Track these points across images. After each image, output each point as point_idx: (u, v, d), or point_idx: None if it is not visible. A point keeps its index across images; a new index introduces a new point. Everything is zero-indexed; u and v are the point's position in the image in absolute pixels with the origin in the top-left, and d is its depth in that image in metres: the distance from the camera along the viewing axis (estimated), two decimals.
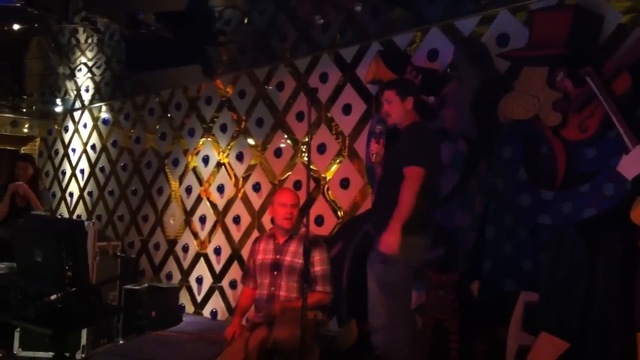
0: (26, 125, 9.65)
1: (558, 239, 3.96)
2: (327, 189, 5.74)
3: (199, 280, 6.92)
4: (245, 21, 6.38)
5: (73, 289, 3.47)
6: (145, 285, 6.38)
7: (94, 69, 8.19)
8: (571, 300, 3.82)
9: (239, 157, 6.74)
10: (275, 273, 4.32)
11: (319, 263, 4.34)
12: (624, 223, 3.67)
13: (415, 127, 4.02)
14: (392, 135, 4.14)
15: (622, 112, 3.78)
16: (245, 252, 6.45)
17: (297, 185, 5.97)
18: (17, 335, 5.06)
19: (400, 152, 3.90)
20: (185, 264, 7.14)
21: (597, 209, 3.86)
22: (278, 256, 4.35)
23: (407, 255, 3.78)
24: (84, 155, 8.89)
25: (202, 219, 7.03)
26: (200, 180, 7.16)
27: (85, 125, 8.96)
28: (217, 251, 6.79)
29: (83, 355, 5.11)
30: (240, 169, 6.73)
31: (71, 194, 8.93)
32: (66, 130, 9.30)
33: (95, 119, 8.80)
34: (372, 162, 4.27)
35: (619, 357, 3.63)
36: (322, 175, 5.84)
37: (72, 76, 8.50)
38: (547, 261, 4.01)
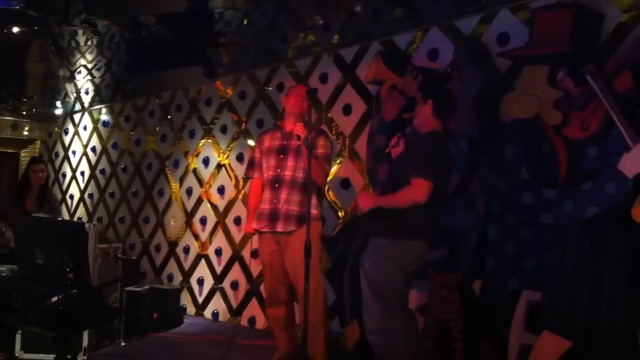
0: (26, 128, 9.64)
1: (562, 237, 3.95)
2: (328, 190, 5.73)
3: (200, 282, 6.92)
4: (245, 22, 6.38)
5: (74, 291, 3.48)
6: (147, 286, 6.38)
7: (94, 71, 8.20)
8: (575, 299, 3.81)
9: (240, 158, 6.74)
10: (282, 156, 4.53)
11: (322, 147, 4.54)
12: (627, 221, 3.67)
13: (431, 136, 3.92)
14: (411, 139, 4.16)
15: (623, 110, 3.77)
16: (246, 253, 6.45)
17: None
18: (18, 337, 5.05)
19: (412, 158, 3.81)
20: (187, 266, 7.14)
21: (599, 208, 3.86)
22: (285, 142, 4.58)
23: (401, 261, 3.78)
24: (84, 158, 8.89)
25: (203, 221, 7.02)
26: (200, 182, 7.16)
27: (85, 128, 8.96)
28: (218, 252, 6.79)
29: (85, 357, 5.11)
30: (240, 170, 6.72)
31: (72, 196, 8.93)
32: (66, 132, 9.30)
33: (95, 121, 8.80)
34: (386, 151, 4.29)
35: (624, 355, 3.62)
36: None
37: (72, 78, 8.52)
38: (551, 260, 4.00)
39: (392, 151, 4.20)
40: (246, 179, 6.50)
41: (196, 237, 7.10)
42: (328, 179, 4.69)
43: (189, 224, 7.20)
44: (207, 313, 6.80)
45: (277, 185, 4.50)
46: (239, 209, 6.64)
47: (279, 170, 4.52)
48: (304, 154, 4.35)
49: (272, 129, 4.82)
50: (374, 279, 3.79)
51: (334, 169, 5.72)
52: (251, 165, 4.82)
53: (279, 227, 4.44)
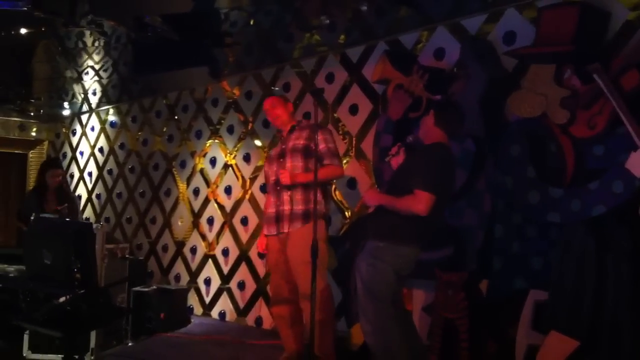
0: (34, 129, 9.69)
1: (567, 236, 3.94)
2: (335, 189, 5.73)
3: (207, 282, 6.93)
4: (251, 22, 6.39)
5: (82, 291, 3.48)
6: (154, 287, 6.39)
7: (101, 72, 8.22)
8: (581, 298, 3.80)
9: (246, 159, 6.75)
10: (282, 160, 4.60)
11: (323, 141, 4.56)
12: (633, 220, 3.65)
13: (437, 149, 3.92)
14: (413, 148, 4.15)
15: (630, 108, 3.76)
16: (253, 253, 6.46)
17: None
18: (26, 337, 5.06)
19: (416, 170, 3.83)
20: (194, 266, 7.15)
21: (606, 206, 3.84)
22: (283, 146, 4.69)
23: (397, 264, 3.81)
24: (91, 158, 8.92)
25: (210, 221, 7.03)
26: (207, 182, 7.17)
27: (92, 128, 8.99)
28: (225, 252, 6.80)
29: (92, 358, 5.11)
30: (247, 170, 6.73)
31: (79, 197, 8.96)
32: (74, 133, 9.34)
33: (102, 122, 8.83)
34: (386, 160, 4.29)
35: (629, 354, 3.60)
36: None
37: (79, 79, 8.54)
38: (556, 259, 3.99)
39: (392, 160, 4.19)
40: (254, 178, 6.56)
41: (203, 237, 7.11)
42: (343, 167, 4.76)
43: (196, 224, 7.22)
44: (214, 313, 6.80)
45: (278, 188, 4.55)
46: (246, 209, 6.65)
47: (279, 172, 4.57)
48: (298, 156, 4.48)
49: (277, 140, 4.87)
50: (370, 280, 3.80)
51: None
52: (266, 183, 4.91)
53: (285, 228, 4.46)
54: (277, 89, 6.50)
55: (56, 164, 6.96)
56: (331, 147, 4.57)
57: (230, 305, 6.66)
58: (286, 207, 4.48)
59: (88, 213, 8.80)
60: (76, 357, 3.80)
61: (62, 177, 6.57)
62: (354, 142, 5.70)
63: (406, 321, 3.98)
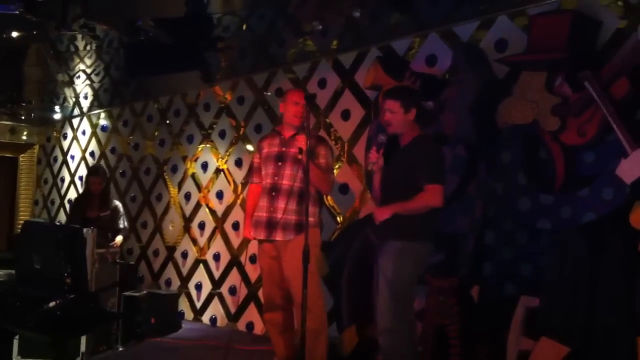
0: (25, 133, 9.64)
1: (561, 242, 3.95)
2: (326, 195, 5.72)
3: (198, 287, 6.91)
4: (244, 27, 6.39)
5: (72, 296, 3.47)
6: (145, 291, 6.36)
7: (92, 76, 8.21)
8: (574, 304, 3.81)
9: (238, 163, 6.74)
10: (280, 164, 4.51)
11: (324, 156, 4.52)
12: (625, 227, 3.66)
13: (426, 141, 4.03)
14: (392, 145, 4.15)
15: (621, 116, 3.78)
16: (244, 259, 6.44)
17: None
18: (16, 342, 5.03)
19: (415, 167, 3.90)
20: (185, 271, 7.13)
21: (596, 213, 3.86)
22: (284, 148, 4.54)
23: (418, 262, 3.95)
24: (82, 162, 8.89)
25: (201, 225, 7.02)
26: (199, 187, 7.15)
27: (84, 132, 8.96)
28: (216, 257, 6.78)
29: None
30: (239, 175, 6.72)
31: (70, 201, 8.92)
32: (65, 137, 9.30)
33: (93, 126, 8.80)
34: (369, 169, 4.30)
35: (625, 358, 3.61)
36: None
37: (70, 83, 8.52)
38: (548, 265, 4.00)
39: (374, 167, 4.17)
40: (246, 183, 6.54)
41: (194, 242, 7.09)
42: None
43: (187, 228, 7.20)
44: (205, 318, 6.78)
45: (274, 194, 4.48)
46: (237, 214, 6.64)
47: (276, 178, 4.50)
48: (299, 165, 4.37)
49: (271, 135, 4.77)
50: (394, 281, 3.85)
51: None
52: (251, 171, 4.83)
53: (278, 237, 4.44)
54: (269, 94, 6.50)
55: (94, 172, 6.97)
56: (329, 163, 4.57)
57: (221, 310, 6.65)
58: (279, 215, 4.43)
59: None
60: None
61: (100, 185, 6.62)
62: (345, 147, 5.71)
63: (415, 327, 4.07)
